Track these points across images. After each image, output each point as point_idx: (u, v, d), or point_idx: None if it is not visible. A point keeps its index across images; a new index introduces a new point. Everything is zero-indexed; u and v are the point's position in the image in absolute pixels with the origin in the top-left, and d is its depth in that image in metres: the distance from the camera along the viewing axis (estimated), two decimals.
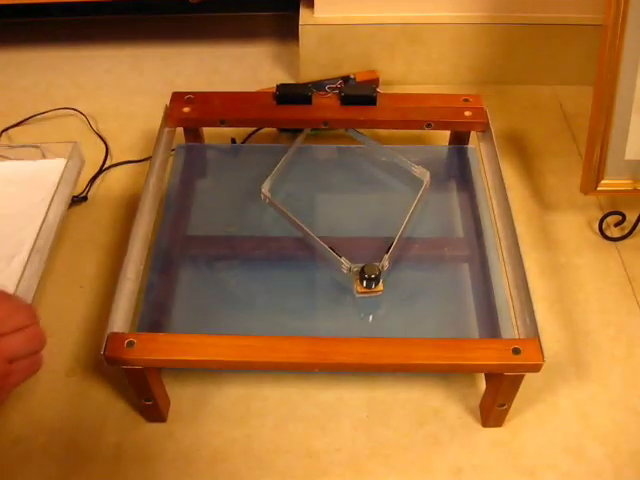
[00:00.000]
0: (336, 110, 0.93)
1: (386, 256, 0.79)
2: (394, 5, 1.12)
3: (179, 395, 0.80)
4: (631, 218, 0.95)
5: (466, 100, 0.94)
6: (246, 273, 0.83)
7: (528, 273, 0.73)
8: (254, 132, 1.06)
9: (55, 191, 0.90)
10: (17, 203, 0.93)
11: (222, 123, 0.93)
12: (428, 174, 0.89)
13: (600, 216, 0.96)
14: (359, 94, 0.93)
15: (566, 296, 0.90)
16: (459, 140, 0.97)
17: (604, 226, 0.96)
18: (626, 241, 0.95)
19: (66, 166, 0.94)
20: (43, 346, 0.59)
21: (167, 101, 0.94)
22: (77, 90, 1.19)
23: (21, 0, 1.16)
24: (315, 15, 1.13)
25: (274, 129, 1.08)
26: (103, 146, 1.08)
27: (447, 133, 0.99)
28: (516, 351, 0.67)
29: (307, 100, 0.93)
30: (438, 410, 0.79)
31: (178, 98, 0.94)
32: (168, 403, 0.79)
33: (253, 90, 1.09)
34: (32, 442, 0.77)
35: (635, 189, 0.90)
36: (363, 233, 0.87)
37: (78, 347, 0.85)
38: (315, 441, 0.77)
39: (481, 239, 0.84)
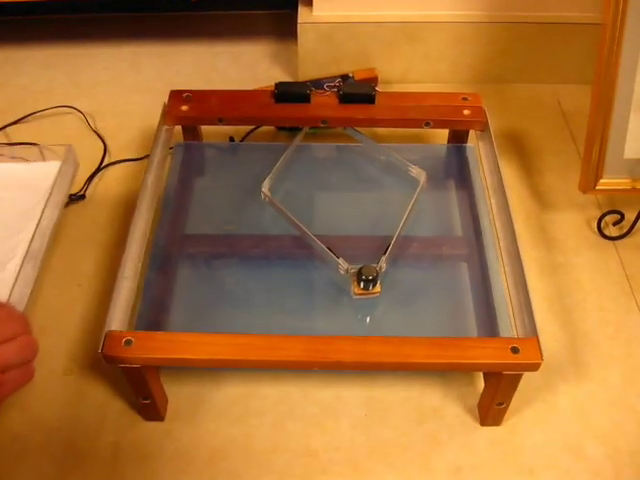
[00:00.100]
0: (335, 109, 0.93)
1: (383, 257, 0.79)
2: (393, 3, 1.11)
3: (177, 394, 0.80)
4: (629, 217, 0.95)
5: (465, 99, 0.93)
6: (244, 272, 0.83)
7: (527, 272, 0.73)
8: (252, 130, 1.06)
9: (49, 196, 0.90)
10: (10, 207, 0.93)
11: (220, 121, 0.92)
12: (424, 174, 0.89)
13: (599, 215, 0.96)
14: (358, 92, 0.93)
15: (565, 295, 0.89)
16: (458, 139, 0.97)
17: (603, 225, 0.96)
18: (624, 240, 0.95)
19: (60, 169, 0.93)
20: (35, 355, 0.58)
21: (165, 99, 0.93)
22: (75, 88, 1.19)
23: None
24: (314, 13, 1.13)
25: (272, 127, 1.08)
26: (101, 144, 1.08)
27: (446, 132, 0.98)
28: (515, 350, 0.67)
29: (306, 98, 0.93)
30: (437, 409, 0.79)
31: (176, 96, 0.94)
32: (166, 402, 0.79)
33: (251, 88, 1.09)
34: (30, 441, 0.77)
35: (634, 188, 0.90)
36: (362, 232, 0.87)
37: (76, 346, 0.84)
38: (314, 440, 0.77)
39: (480, 238, 0.84)
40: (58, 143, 1.05)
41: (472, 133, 0.95)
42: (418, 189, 0.87)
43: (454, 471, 0.75)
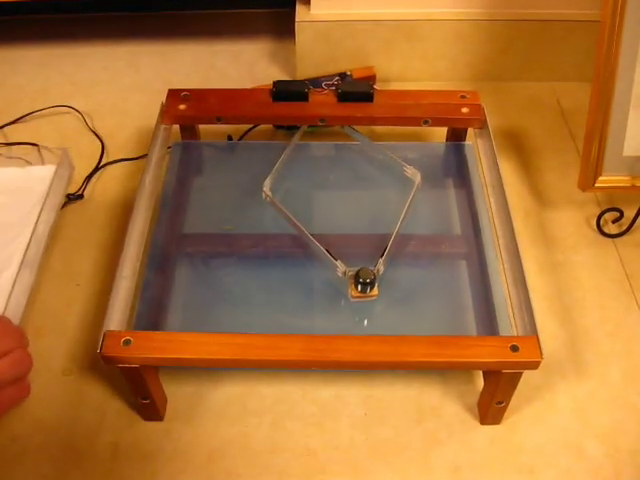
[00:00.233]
0: (333, 107, 0.92)
1: (381, 260, 0.78)
2: (391, 1, 1.11)
3: (176, 393, 0.80)
4: (629, 214, 0.95)
5: (463, 97, 0.93)
6: (243, 271, 0.83)
7: (526, 270, 0.73)
8: (250, 129, 1.05)
9: (45, 200, 0.89)
10: (5, 213, 0.92)
11: (218, 120, 0.92)
12: (419, 175, 0.89)
13: (598, 213, 0.95)
14: (356, 91, 0.92)
15: (564, 293, 0.89)
16: (456, 137, 0.96)
17: (602, 223, 0.95)
18: (624, 237, 0.95)
19: (55, 173, 0.93)
20: (29, 371, 0.58)
21: (163, 98, 0.93)
22: (73, 87, 1.19)
23: None
24: (311, 12, 1.12)
25: (270, 126, 1.08)
26: (99, 144, 1.08)
27: (444, 130, 0.98)
28: (514, 348, 0.67)
29: (304, 97, 0.92)
30: (436, 408, 0.79)
31: (174, 95, 0.93)
32: (165, 401, 0.79)
33: (249, 87, 1.09)
34: (28, 441, 0.76)
35: (633, 185, 0.90)
36: (362, 231, 0.87)
37: (75, 346, 0.84)
38: (313, 439, 0.77)
39: (479, 236, 0.83)
40: (56, 143, 1.05)
41: (471, 131, 0.94)
42: (413, 190, 0.87)
43: (453, 470, 0.74)
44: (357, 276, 0.76)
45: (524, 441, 0.76)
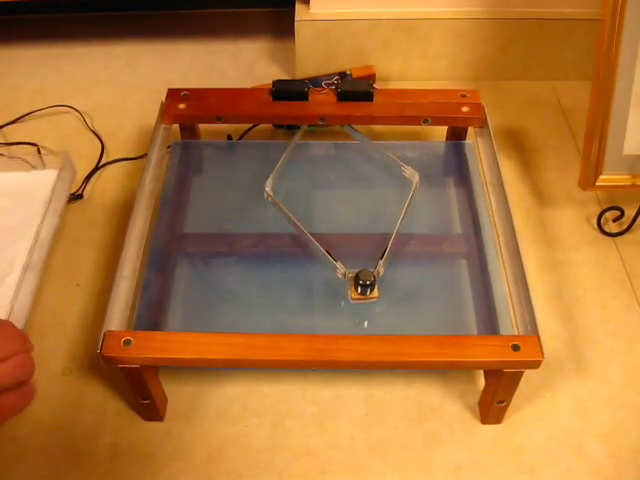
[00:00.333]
0: (333, 106, 0.92)
1: (381, 262, 0.78)
2: (390, 0, 1.11)
3: (176, 393, 0.80)
4: (629, 213, 0.94)
5: (463, 96, 0.93)
6: (243, 271, 0.83)
7: (526, 269, 0.72)
8: (250, 129, 1.05)
9: (47, 206, 0.89)
10: (7, 218, 0.92)
11: (218, 120, 0.92)
12: (417, 175, 0.88)
13: (598, 211, 0.95)
14: (356, 90, 0.92)
15: (565, 292, 0.89)
16: (456, 136, 0.96)
17: (602, 221, 0.95)
18: (625, 236, 0.95)
19: (57, 178, 0.93)
20: (31, 375, 0.57)
21: (162, 98, 0.93)
22: (72, 87, 1.18)
23: None
24: (311, 11, 1.12)
25: (270, 125, 1.08)
26: (98, 143, 1.08)
27: (444, 129, 0.98)
28: (515, 347, 0.66)
29: (303, 96, 0.92)
30: (437, 407, 0.79)
31: (174, 95, 0.93)
32: (165, 401, 0.79)
33: (249, 86, 1.08)
34: (28, 441, 0.76)
35: (633, 184, 0.90)
36: (363, 230, 0.87)
37: (74, 346, 0.84)
38: (313, 439, 0.77)
39: (479, 235, 0.83)
40: (55, 142, 1.06)
41: (471, 130, 0.94)
42: (412, 191, 0.87)
43: (455, 470, 0.74)
44: (357, 278, 0.76)
45: (525, 440, 0.76)
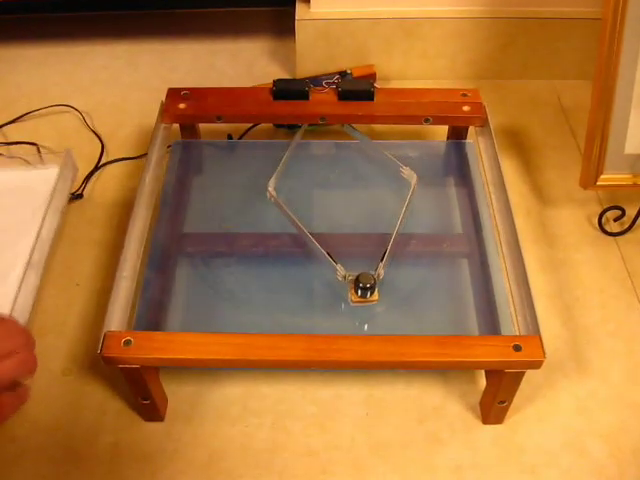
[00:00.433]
0: (333, 105, 0.92)
1: (381, 264, 0.78)
2: None
3: (177, 394, 0.79)
4: (630, 213, 0.94)
5: (464, 95, 0.93)
6: (243, 271, 0.82)
7: (528, 269, 0.72)
8: (250, 128, 1.05)
9: (48, 204, 0.89)
10: (9, 216, 0.92)
11: (218, 119, 0.92)
12: (415, 176, 0.88)
13: (599, 211, 0.95)
14: (356, 89, 0.92)
15: (565, 291, 0.89)
16: (457, 135, 0.96)
17: (603, 221, 0.95)
18: (626, 236, 0.95)
19: (59, 176, 0.93)
20: (33, 373, 0.57)
21: (163, 97, 0.93)
22: (72, 86, 1.18)
23: None
24: (311, 10, 1.12)
25: (270, 125, 1.07)
26: (98, 143, 1.07)
27: (445, 128, 0.98)
28: (517, 348, 0.66)
29: (304, 95, 0.92)
30: (437, 407, 0.79)
31: (174, 94, 0.93)
32: (166, 402, 0.78)
33: (249, 86, 1.08)
34: (28, 441, 0.76)
35: (635, 184, 0.89)
36: (364, 231, 0.86)
37: (74, 346, 0.84)
38: (314, 439, 0.77)
39: (480, 235, 0.83)
40: (55, 142, 1.05)
41: (471, 129, 0.94)
42: (410, 191, 0.86)
43: (456, 470, 0.74)
44: (357, 281, 0.75)
45: (526, 441, 0.76)
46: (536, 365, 0.67)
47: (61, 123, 1.11)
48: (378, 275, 0.77)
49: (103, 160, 1.05)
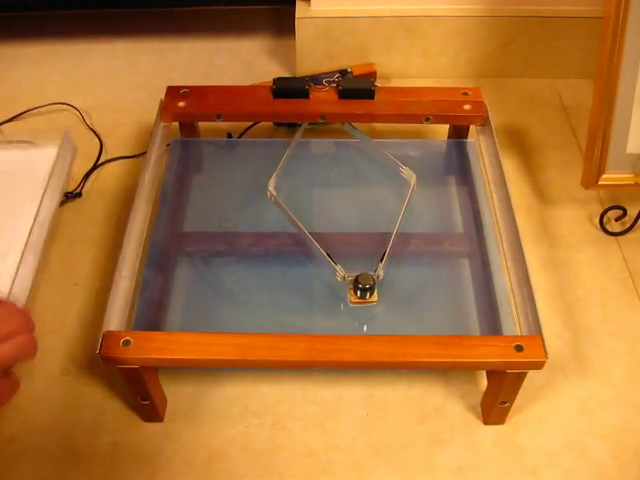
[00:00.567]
0: (334, 104, 0.92)
1: (380, 265, 0.77)
2: None
3: (176, 394, 0.79)
4: (632, 213, 0.94)
5: (465, 94, 0.92)
6: (243, 270, 0.82)
7: (529, 269, 0.72)
8: (250, 127, 1.04)
9: (47, 183, 0.88)
10: (7, 197, 0.91)
11: (218, 117, 0.91)
12: (414, 176, 0.88)
13: (601, 210, 0.95)
14: (357, 88, 0.92)
15: (567, 291, 0.89)
16: (458, 134, 0.96)
17: (605, 220, 0.95)
18: (627, 235, 0.94)
19: (58, 155, 0.92)
20: (33, 356, 0.57)
21: (162, 96, 0.92)
22: (71, 85, 1.18)
23: None
24: (311, 8, 1.11)
25: (270, 123, 1.07)
26: (97, 141, 1.07)
27: (446, 127, 0.97)
28: (519, 348, 0.66)
29: (304, 94, 0.92)
30: (438, 408, 0.79)
31: (173, 92, 0.93)
32: (165, 402, 0.78)
33: (249, 84, 1.08)
34: (27, 442, 0.76)
35: (636, 183, 0.89)
36: (364, 230, 0.86)
37: (73, 345, 0.83)
38: (314, 440, 0.76)
39: (481, 234, 0.83)
40: (54, 141, 1.04)
41: (472, 128, 0.94)
42: (409, 191, 0.86)
43: (457, 470, 0.74)
44: (356, 282, 0.75)
45: (528, 441, 0.76)
46: (538, 366, 0.66)
47: (60, 121, 1.11)
48: (377, 276, 0.76)
49: (102, 159, 1.05)
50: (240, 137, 1.04)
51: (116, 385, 0.80)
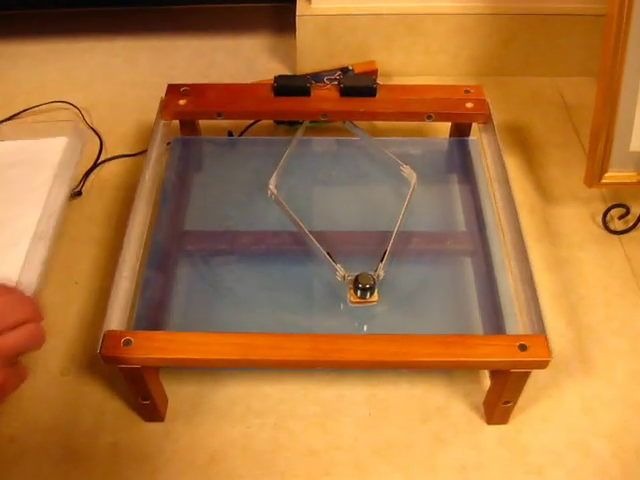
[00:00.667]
0: (335, 102, 0.91)
1: (381, 265, 0.77)
2: None
3: (177, 394, 0.78)
4: (635, 211, 0.94)
5: (467, 91, 0.92)
6: (244, 269, 0.82)
7: (533, 267, 0.71)
8: (251, 125, 1.04)
9: (57, 174, 0.88)
10: (17, 186, 0.91)
11: (219, 116, 0.91)
12: (415, 175, 0.87)
13: (603, 209, 0.94)
14: (359, 85, 0.91)
15: (569, 290, 0.88)
16: (460, 132, 0.95)
17: (608, 219, 0.94)
18: (630, 234, 0.94)
19: (67, 146, 0.92)
20: (41, 346, 0.56)
21: (162, 94, 0.92)
22: (71, 83, 1.17)
23: None
24: (312, 6, 1.11)
25: (271, 121, 1.06)
26: (97, 140, 1.06)
27: (448, 125, 0.97)
28: (523, 347, 0.65)
29: (306, 92, 0.91)
30: (441, 407, 0.78)
31: (174, 90, 0.92)
32: (166, 402, 0.78)
33: (249, 82, 1.07)
34: (27, 442, 0.75)
35: (639, 181, 0.89)
36: (366, 229, 0.86)
37: (73, 345, 0.83)
38: (316, 439, 0.76)
39: (484, 233, 0.82)
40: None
41: (474, 126, 0.93)
42: (410, 190, 0.86)
43: (460, 470, 0.73)
44: (356, 281, 0.75)
45: (531, 441, 0.75)
46: (542, 365, 0.66)
47: (60, 120, 1.10)
48: (378, 276, 0.76)
49: (102, 157, 1.04)
50: (241, 135, 1.03)
51: (116, 385, 0.79)
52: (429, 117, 0.90)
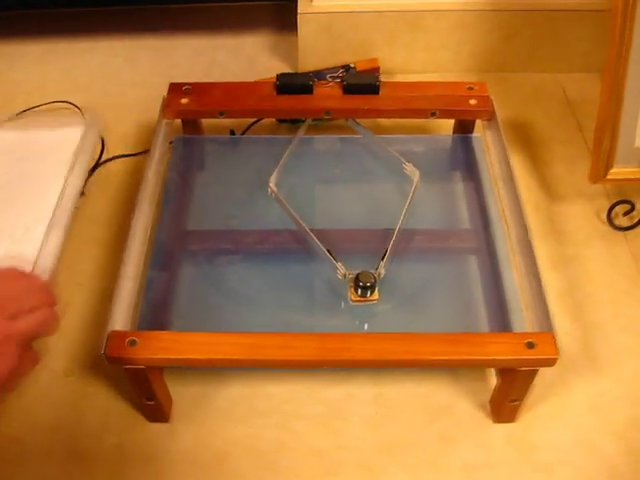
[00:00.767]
0: (338, 100, 0.91)
1: (382, 263, 0.76)
2: None
3: (182, 394, 0.78)
4: None
5: (471, 88, 0.91)
6: (247, 268, 0.81)
7: (539, 265, 0.71)
8: (254, 123, 1.03)
9: (72, 164, 0.88)
10: (33, 175, 0.91)
11: (221, 114, 0.90)
12: (418, 173, 0.87)
13: (608, 205, 0.94)
14: (362, 83, 0.91)
15: (575, 287, 0.88)
16: (464, 129, 0.95)
17: (613, 215, 0.94)
18: (635, 230, 0.93)
19: (83, 136, 0.92)
20: (54, 331, 0.56)
21: (163, 93, 0.91)
22: (71, 83, 1.17)
23: None
24: (314, 3, 1.10)
25: (273, 120, 1.06)
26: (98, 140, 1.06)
27: (452, 122, 0.97)
28: (530, 345, 0.65)
29: (308, 90, 0.91)
30: (448, 406, 0.78)
31: (176, 89, 0.92)
32: (171, 402, 0.77)
33: (251, 80, 1.07)
34: (31, 443, 0.75)
35: None
36: (368, 227, 0.85)
37: (76, 346, 0.82)
38: (321, 439, 0.75)
39: (489, 230, 0.82)
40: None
41: (478, 123, 0.93)
42: (412, 188, 0.85)
43: (467, 469, 0.73)
44: (357, 280, 0.74)
45: (539, 439, 0.75)
46: (550, 363, 0.65)
47: (60, 120, 1.09)
48: (379, 274, 0.75)
49: (104, 157, 1.04)
50: (243, 134, 1.03)
51: (120, 385, 0.79)
52: (433, 114, 0.90)
